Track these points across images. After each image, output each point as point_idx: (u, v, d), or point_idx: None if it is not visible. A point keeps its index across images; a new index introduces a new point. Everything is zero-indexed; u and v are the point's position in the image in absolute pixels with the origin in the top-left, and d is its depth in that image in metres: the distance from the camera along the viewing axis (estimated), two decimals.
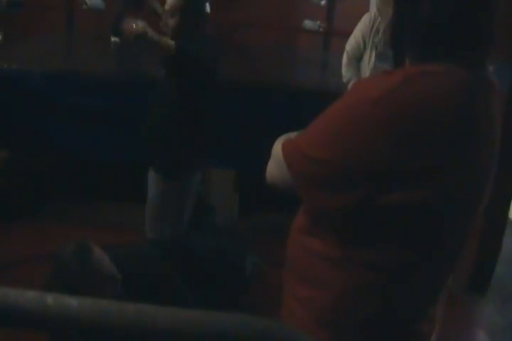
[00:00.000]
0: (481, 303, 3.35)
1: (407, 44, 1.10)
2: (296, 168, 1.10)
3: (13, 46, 5.02)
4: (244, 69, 4.59)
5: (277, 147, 1.17)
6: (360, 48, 3.29)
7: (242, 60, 5.05)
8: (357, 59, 3.33)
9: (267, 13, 6.01)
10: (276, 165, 1.17)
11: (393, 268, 1.10)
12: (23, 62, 4.12)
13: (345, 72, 3.38)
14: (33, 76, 3.87)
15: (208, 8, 5.02)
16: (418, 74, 1.04)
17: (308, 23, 6.00)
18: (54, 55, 4.82)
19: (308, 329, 1.15)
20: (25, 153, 4.29)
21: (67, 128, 3.83)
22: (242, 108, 3.88)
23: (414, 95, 1.02)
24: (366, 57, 3.29)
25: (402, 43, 1.11)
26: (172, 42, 2.56)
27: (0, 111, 3.83)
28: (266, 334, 0.75)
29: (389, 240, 1.08)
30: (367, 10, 3.79)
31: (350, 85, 3.38)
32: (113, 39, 5.22)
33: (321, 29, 5.56)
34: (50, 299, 0.78)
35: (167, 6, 2.67)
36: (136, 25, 2.45)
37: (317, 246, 1.15)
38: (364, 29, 3.28)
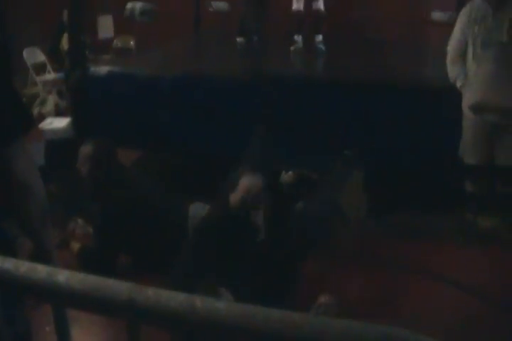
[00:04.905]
0: None
1: None
2: None
3: (144, 52, 5.28)
4: (376, 66, 4.46)
5: None
6: (463, 45, 3.27)
7: (374, 57, 4.91)
8: (461, 56, 3.29)
9: (392, 5, 5.86)
10: None
11: None
12: (154, 67, 4.31)
13: (451, 72, 3.35)
14: (164, 80, 4.03)
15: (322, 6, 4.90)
16: None
17: (436, 14, 5.76)
18: (182, 58, 5.00)
19: None
20: (159, 152, 4.49)
21: (196, 128, 3.96)
22: (375, 106, 3.77)
23: None
24: (470, 50, 3.25)
25: None
26: None
27: (136, 115, 4.03)
28: None
29: None
30: None
31: (457, 84, 3.29)
32: (238, 39, 5.33)
33: (451, 20, 5.30)
34: (199, 302, 0.79)
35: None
36: None
37: None
38: (463, 25, 3.26)
